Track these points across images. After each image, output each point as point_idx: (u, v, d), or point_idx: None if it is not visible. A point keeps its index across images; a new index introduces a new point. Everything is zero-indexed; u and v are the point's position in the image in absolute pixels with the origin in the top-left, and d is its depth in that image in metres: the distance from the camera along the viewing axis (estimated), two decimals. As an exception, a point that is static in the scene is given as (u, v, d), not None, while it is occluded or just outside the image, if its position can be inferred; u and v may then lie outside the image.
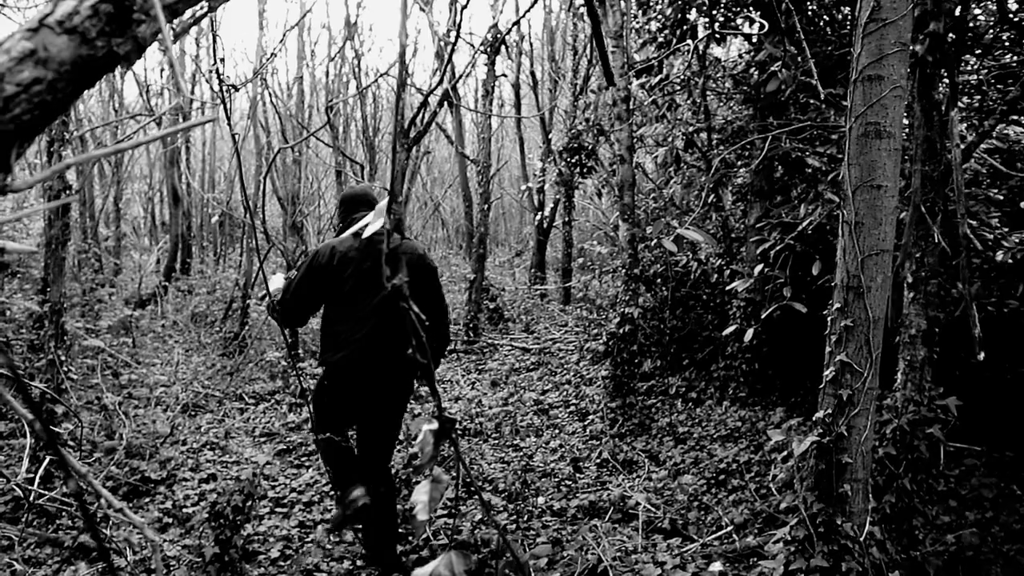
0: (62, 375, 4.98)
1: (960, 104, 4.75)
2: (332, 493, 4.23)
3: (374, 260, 3.59)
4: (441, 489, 0.73)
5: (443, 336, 3.81)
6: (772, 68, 4.45)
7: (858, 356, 2.51)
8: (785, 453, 3.15)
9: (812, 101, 5.70)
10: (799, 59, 4.51)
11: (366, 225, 3.55)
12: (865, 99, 2.51)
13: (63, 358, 4.93)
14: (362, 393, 3.66)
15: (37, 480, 4.40)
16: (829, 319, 2.61)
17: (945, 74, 3.21)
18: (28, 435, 3.57)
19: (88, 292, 10.32)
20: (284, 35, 8.53)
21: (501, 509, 4.72)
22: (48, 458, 4.33)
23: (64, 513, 4.61)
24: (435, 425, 0.68)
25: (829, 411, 2.55)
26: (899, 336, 3.62)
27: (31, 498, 3.87)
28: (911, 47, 2.67)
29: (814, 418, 2.62)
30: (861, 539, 2.46)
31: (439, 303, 3.80)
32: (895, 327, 3.67)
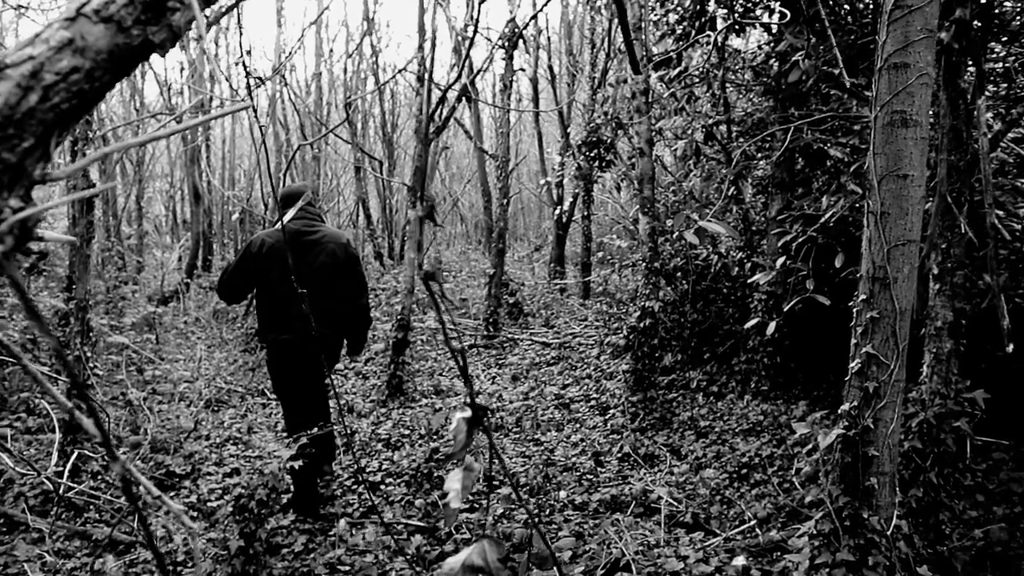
0: (88, 371, 5.04)
1: (987, 92, 4.68)
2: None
3: (299, 250, 4.18)
4: (473, 478, 0.72)
5: (365, 317, 4.50)
6: (794, 58, 4.41)
7: (884, 348, 2.48)
8: (810, 446, 3.12)
9: (834, 92, 5.63)
10: (821, 48, 4.46)
11: (294, 218, 4.29)
12: (891, 87, 2.47)
13: (89, 354, 4.99)
14: (293, 365, 4.29)
15: (66, 474, 4.46)
16: (855, 311, 2.59)
17: (971, 62, 3.16)
18: (57, 430, 3.62)
19: (112, 289, 10.44)
20: (303, 32, 8.57)
21: (523, 503, 4.72)
22: (76, 452, 4.39)
23: (92, 507, 4.68)
24: (468, 413, 0.68)
25: (855, 404, 2.53)
26: (925, 328, 3.57)
27: (60, 491, 3.92)
28: (937, 34, 2.63)
29: (839, 411, 2.59)
30: (888, 533, 2.43)
31: (360, 287, 4.42)
32: (921, 319, 3.62)
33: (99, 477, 4.85)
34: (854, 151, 5.47)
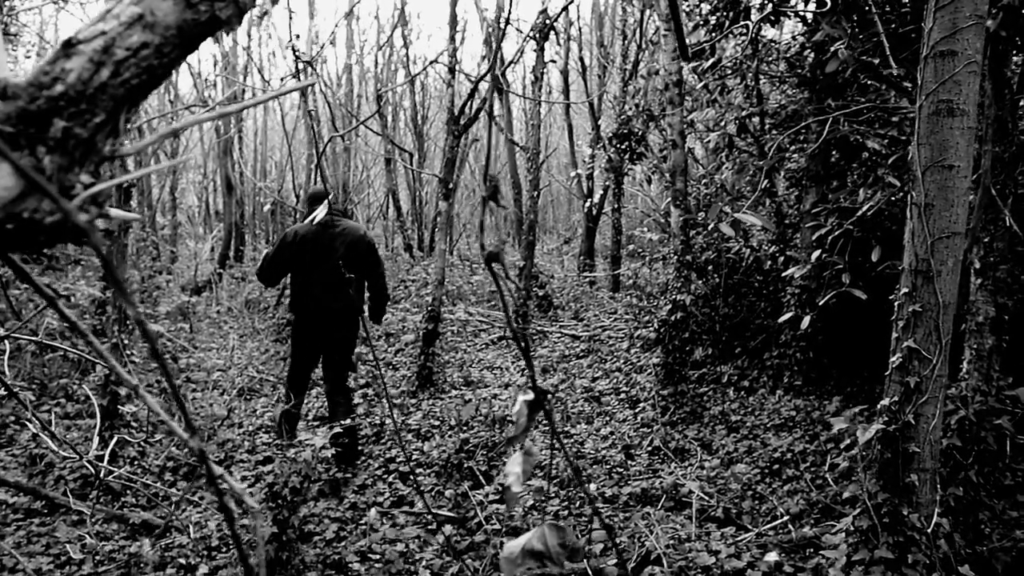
0: (125, 358, 5.12)
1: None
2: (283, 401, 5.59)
3: (325, 240, 5.10)
4: (532, 462, 0.72)
5: (382, 293, 5.39)
6: (833, 48, 4.33)
7: (927, 342, 2.43)
8: (847, 442, 3.08)
9: (872, 83, 5.53)
10: (860, 38, 4.38)
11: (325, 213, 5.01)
12: (937, 76, 2.41)
13: (126, 341, 5.07)
14: (318, 333, 5.20)
15: (106, 458, 4.54)
16: (896, 304, 2.54)
17: (1018, 50, 3.08)
18: (97, 416, 3.68)
19: (146, 279, 10.60)
20: (336, 25, 8.61)
21: (552, 495, 4.72)
22: (116, 437, 4.46)
23: (128, 491, 4.76)
24: (530, 396, 0.67)
25: (895, 398, 2.48)
26: (966, 324, 3.50)
27: (101, 474, 3.99)
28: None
29: (879, 406, 2.55)
30: (928, 531, 2.39)
31: (377, 269, 5.29)
32: (961, 314, 3.55)
33: (135, 463, 4.94)
34: (892, 143, 5.37)
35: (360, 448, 5.52)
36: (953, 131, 2.41)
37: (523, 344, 0.63)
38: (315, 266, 5.06)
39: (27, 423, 5.78)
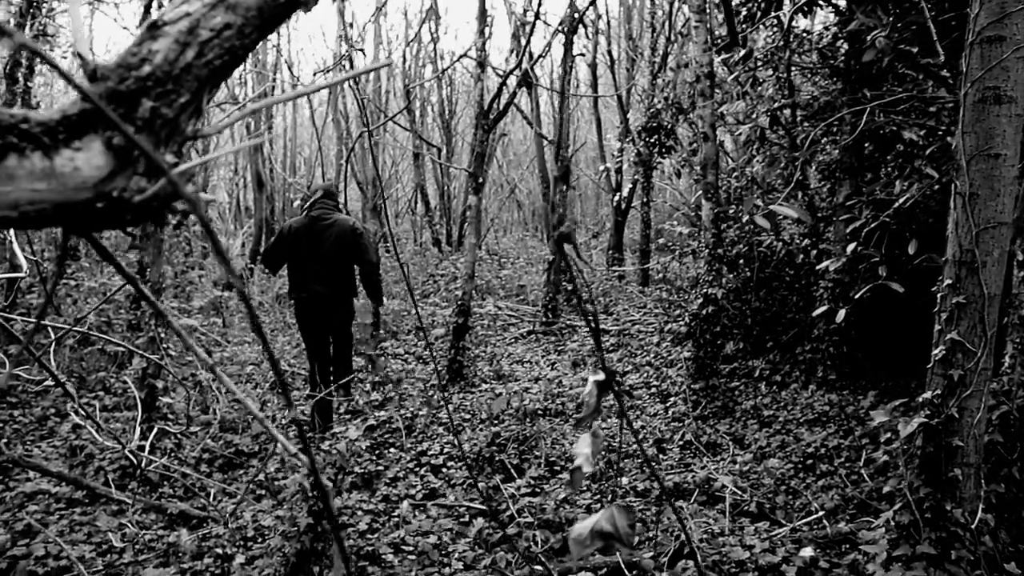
0: (162, 352, 5.20)
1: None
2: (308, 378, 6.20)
3: (316, 231, 5.58)
4: (599, 444, 0.72)
5: (372, 276, 5.82)
6: (870, 36, 4.25)
7: (971, 335, 2.39)
8: (887, 435, 3.03)
9: (908, 73, 5.44)
10: (899, 26, 4.30)
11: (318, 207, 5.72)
12: (983, 62, 2.36)
13: (162, 335, 5.15)
14: (314, 316, 5.70)
15: (147, 448, 4.62)
16: (939, 296, 2.49)
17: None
18: (139, 407, 3.74)
19: (180, 274, 10.75)
20: (364, 26, 8.62)
21: (584, 489, 4.72)
22: (156, 428, 4.53)
23: (166, 482, 4.84)
24: (600, 377, 0.67)
25: (938, 392, 2.44)
26: (1008, 317, 3.43)
27: (142, 464, 4.06)
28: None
29: (921, 399, 2.50)
30: (972, 527, 2.35)
31: (364, 255, 5.69)
32: (1004, 307, 3.48)
33: (172, 454, 5.02)
34: (929, 133, 5.27)
35: (352, 392, 6.44)
36: (1000, 119, 2.36)
37: (593, 325, 0.63)
38: (308, 256, 5.59)
39: (70, 414, 5.90)
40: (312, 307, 5.65)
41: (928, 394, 2.46)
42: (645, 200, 11.85)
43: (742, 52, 6.76)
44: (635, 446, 5.41)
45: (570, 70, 9.31)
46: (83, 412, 3.12)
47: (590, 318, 0.61)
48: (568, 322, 9.17)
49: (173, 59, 0.44)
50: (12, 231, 2.25)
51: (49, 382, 5.39)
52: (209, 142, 14.74)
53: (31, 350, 1.59)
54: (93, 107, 0.41)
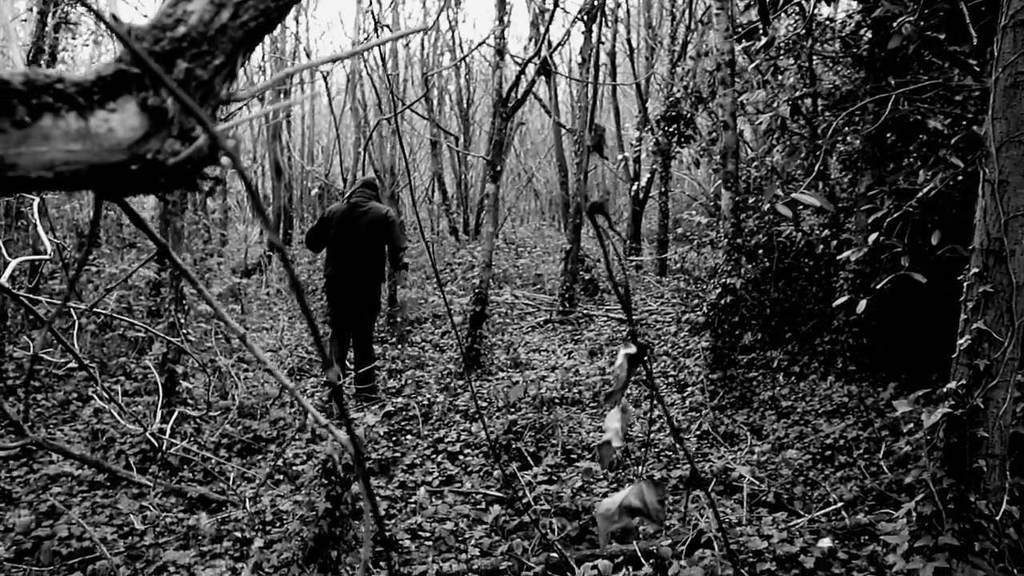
0: (182, 337, 5.24)
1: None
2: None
3: (352, 218, 6.21)
4: (629, 419, 0.71)
5: (396, 255, 6.35)
6: (896, 23, 4.19)
7: (998, 324, 2.35)
8: (910, 426, 3.00)
9: (934, 60, 5.35)
10: (926, 12, 4.23)
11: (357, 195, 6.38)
12: (1016, 46, 2.31)
13: (182, 320, 5.19)
14: (343, 294, 6.24)
15: (168, 431, 4.66)
16: (965, 285, 2.45)
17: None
18: (160, 391, 3.78)
19: (198, 261, 10.83)
20: (380, 14, 8.62)
21: (601, 477, 4.71)
22: (176, 413, 4.57)
23: (186, 466, 4.89)
24: (632, 349, 0.66)
25: (963, 382, 2.41)
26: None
27: (163, 447, 4.10)
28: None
29: (945, 389, 2.47)
30: (997, 518, 2.32)
31: (395, 242, 6.28)
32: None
33: (191, 439, 5.06)
34: (954, 122, 5.19)
35: (376, 384, 6.62)
36: (1031, 105, 2.31)
37: (624, 296, 0.62)
38: (342, 239, 6.21)
39: (91, 399, 5.97)
40: (341, 284, 6.23)
41: (953, 384, 2.43)
42: (663, 190, 11.78)
43: (763, 40, 6.68)
44: (651, 435, 5.39)
45: (589, 58, 9.25)
46: (106, 395, 3.15)
47: (620, 291, 0.60)
48: (585, 311, 9.16)
49: (208, 20, 0.44)
50: (37, 215, 2.27)
51: (72, 364, 5.44)
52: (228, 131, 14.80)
53: (55, 332, 1.60)
54: (128, 68, 0.41)
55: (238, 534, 4.04)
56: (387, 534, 4.13)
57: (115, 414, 4.48)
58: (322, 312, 8.90)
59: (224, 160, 0.47)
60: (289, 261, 0.42)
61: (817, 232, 6.87)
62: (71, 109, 0.40)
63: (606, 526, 0.71)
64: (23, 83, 0.38)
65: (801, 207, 7.25)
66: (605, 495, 4.35)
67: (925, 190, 4.78)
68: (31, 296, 1.79)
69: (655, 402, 5.89)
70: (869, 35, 5.91)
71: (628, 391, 6.40)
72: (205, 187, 0.49)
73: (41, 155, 0.39)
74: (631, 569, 3.58)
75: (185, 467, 4.87)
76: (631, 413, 0.72)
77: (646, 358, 0.66)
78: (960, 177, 4.99)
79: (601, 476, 4.72)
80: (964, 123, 5.09)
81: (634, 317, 8.75)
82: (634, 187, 12.12)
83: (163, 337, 2.63)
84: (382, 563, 3.89)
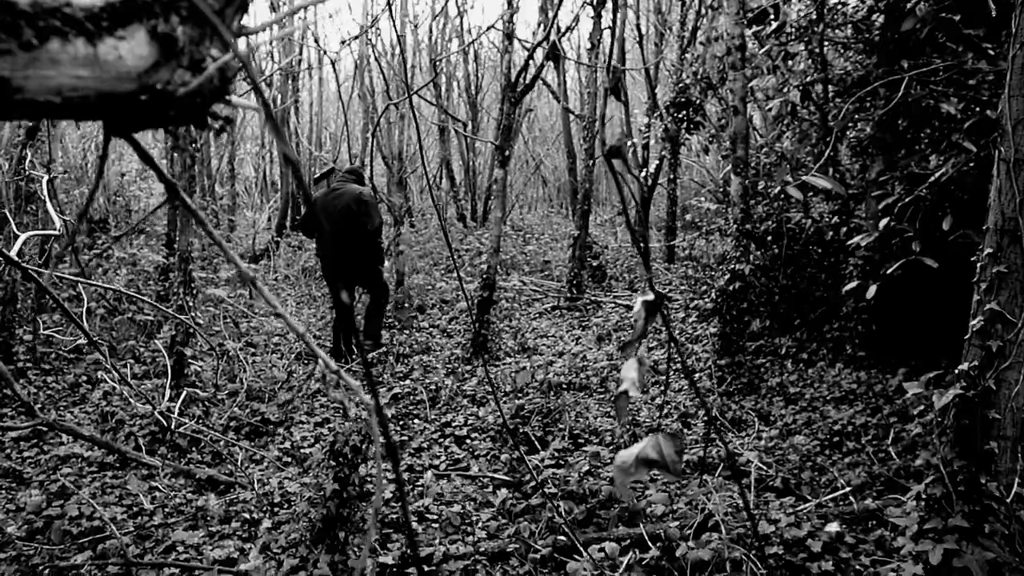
0: (191, 320, 5.25)
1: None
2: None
3: (329, 203, 6.72)
4: (645, 371, 0.70)
5: (373, 242, 6.80)
6: (910, 4, 4.14)
7: (1011, 305, 2.33)
8: (921, 408, 2.98)
9: (948, 44, 5.29)
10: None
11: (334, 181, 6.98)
12: (1032, 23, 2.28)
13: (191, 303, 5.20)
14: (335, 272, 6.47)
15: (177, 409, 4.68)
16: (979, 266, 2.43)
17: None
18: (169, 372, 3.79)
19: (207, 247, 10.85)
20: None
21: (608, 461, 4.71)
22: (184, 391, 4.59)
23: (194, 448, 4.91)
24: (649, 296, 0.65)
25: (975, 363, 2.39)
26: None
27: (171, 426, 4.12)
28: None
29: (957, 370, 2.46)
30: (1008, 500, 2.31)
31: (366, 220, 6.68)
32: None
33: (200, 421, 5.08)
34: (968, 107, 5.14)
35: (381, 337, 7.21)
36: (1047, 83, 2.28)
37: (642, 245, 0.61)
38: (323, 223, 6.86)
39: (101, 381, 5.99)
40: (330, 264, 7.14)
41: (965, 365, 2.41)
42: (672, 177, 11.73)
43: (774, 25, 6.63)
44: (657, 420, 5.39)
45: (598, 43, 9.20)
46: (116, 372, 3.16)
47: (639, 239, 0.59)
48: (593, 298, 9.14)
49: (219, -55, 0.43)
50: (46, 189, 2.26)
51: (80, 348, 5.47)
52: (235, 114, 14.80)
53: (65, 308, 1.60)
54: (138, -7, 0.40)
55: (246, 515, 4.07)
56: (396, 515, 4.14)
57: (124, 392, 4.50)
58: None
59: (236, 100, 0.46)
60: (299, 169, 0.41)
61: (827, 219, 6.83)
62: (79, 34, 0.39)
63: (623, 479, 0.70)
64: (30, 4, 0.37)
65: (811, 194, 7.22)
66: (612, 480, 4.35)
67: (937, 175, 4.74)
68: (39, 270, 1.79)
69: (658, 396, 5.88)
70: (881, 20, 5.86)
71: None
72: (215, 125, 0.48)
73: (49, 79, 0.38)
74: (638, 552, 3.59)
75: (194, 449, 4.89)
76: (647, 364, 0.71)
77: (663, 305, 0.65)
78: (973, 163, 4.94)
79: (608, 460, 4.72)
80: (978, 110, 5.04)
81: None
82: (642, 174, 12.06)
83: (172, 315, 2.63)
84: (389, 545, 3.90)
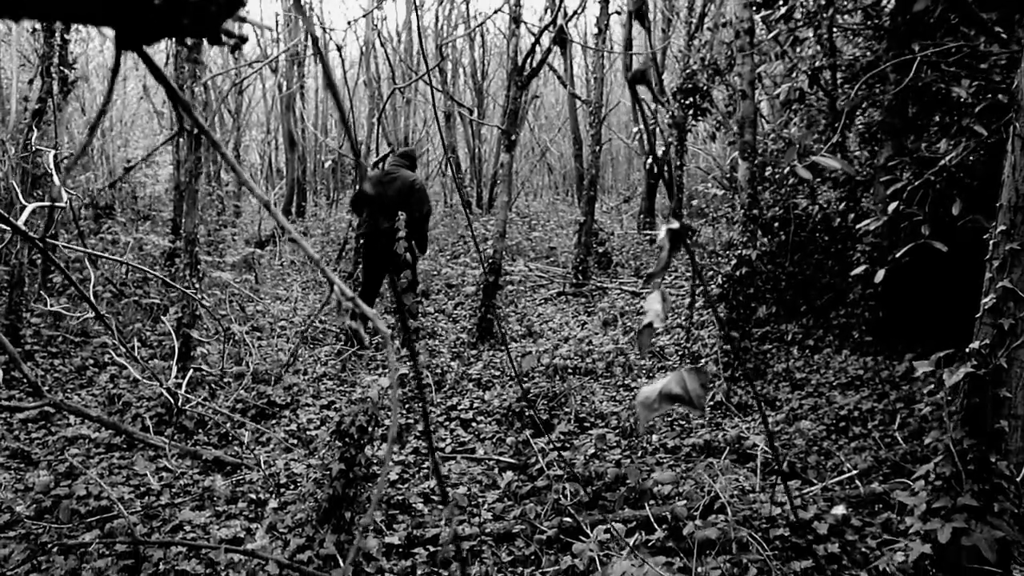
0: (196, 303, 5.26)
1: None
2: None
3: (383, 185, 6.84)
4: (668, 306, 0.69)
5: (420, 227, 6.94)
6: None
7: None
8: (931, 387, 2.97)
9: (961, 29, 5.24)
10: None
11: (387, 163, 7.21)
12: (1048, -3, 2.25)
13: (197, 286, 5.20)
14: (372, 251, 7.04)
15: (183, 386, 4.68)
16: (991, 243, 2.41)
17: None
18: (176, 348, 3.79)
19: (213, 232, 10.86)
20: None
21: (614, 444, 4.71)
22: (191, 372, 4.59)
23: (200, 430, 4.92)
24: (674, 224, 0.64)
25: (986, 341, 2.37)
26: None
27: (179, 402, 4.12)
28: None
29: (968, 349, 2.44)
30: (1018, 479, 2.30)
31: (417, 206, 6.83)
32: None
33: (206, 405, 5.09)
34: (979, 91, 5.09)
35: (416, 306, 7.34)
36: (1062, 58, 2.25)
37: (662, 166, 0.59)
38: (374, 203, 6.59)
39: (108, 364, 6.01)
40: (371, 242, 7.00)
41: (976, 344, 2.39)
42: (679, 163, 11.69)
43: (783, 9, 6.57)
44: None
45: (605, 28, 9.14)
46: (123, 348, 3.16)
47: (661, 167, 0.58)
48: (598, 284, 9.13)
49: None
50: (52, 165, 2.25)
51: (89, 315, 5.46)
52: (241, 101, 14.77)
53: (70, 277, 1.59)
54: None
55: (253, 496, 4.08)
56: (400, 497, 4.15)
57: (131, 374, 4.50)
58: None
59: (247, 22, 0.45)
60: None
61: (834, 206, 6.79)
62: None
63: (646, 415, 0.69)
64: None
65: (818, 180, 7.18)
66: (618, 462, 4.35)
67: (948, 158, 4.70)
68: (47, 240, 1.79)
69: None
70: (892, 4, 5.80)
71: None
72: (229, 42, 0.46)
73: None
74: (643, 533, 3.59)
75: (200, 431, 4.91)
76: (670, 299, 0.70)
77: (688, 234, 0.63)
78: (982, 147, 4.90)
79: (614, 444, 4.72)
80: (988, 96, 4.99)
81: (648, 290, 8.72)
82: (649, 160, 12.01)
83: (182, 289, 2.62)
84: (395, 526, 3.91)
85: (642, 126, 11.02)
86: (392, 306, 7.47)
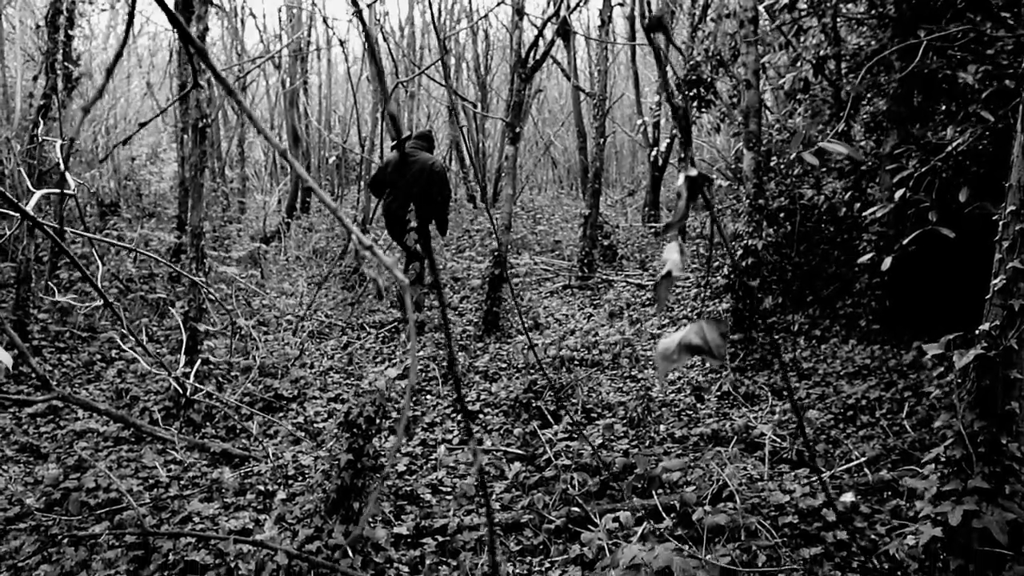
0: (203, 297, 5.26)
1: None
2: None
3: (402, 167, 6.86)
4: (687, 259, 0.68)
5: (441, 210, 6.98)
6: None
7: (1034, 263, 2.29)
8: (940, 369, 2.96)
9: (968, 15, 5.21)
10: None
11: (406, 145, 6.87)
12: (1057, -25, 2.23)
13: (203, 279, 5.20)
14: (391, 221, 6.96)
15: (192, 375, 4.69)
16: (1001, 224, 2.40)
17: None
18: (183, 336, 3.80)
19: (218, 228, 10.88)
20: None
21: (622, 435, 4.71)
22: (199, 362, 4.60)
23: (208, 423, 4.93)
24: (692, 172, 0.63)
25: (997, 323, 2.36)
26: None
27: (187, 392, 4.13)
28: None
29: (978, 331, 2.43)
30: (1029, 460, 2.29)
31: (438, 189, 6.81)
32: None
33: (213, 396, 5.10)
34: (985, 77, 5.06)
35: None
36: (1071, 38, 2.23)
37: (683, 119, 0.59)
38: (395, 184, 6.95)
39: (115, 359, 6.02)
40: (393, 221, 6.94)
41: (986, 325, 2.38)
42: (683, 156, 11.66)
43: (787, -1, 6.55)
44: (671, 396, 5.37)
45: (608, 20, 9.12)
46: (132, 337, 3.17)
47: (679, 106, 0.57)
48: (604, 277, 9.12)
49: None
50: (59, 154, 2.25)
51: (97, 302, 5.48)
52: (244, 98, 14.76)
53: (78, 263, 1.59)
54: None
55: (261, 487, 4.09)
56: (408, 488, 4.15)
57: (140, 367, 4.51)
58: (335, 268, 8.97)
59: None
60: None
61: (840, 195, 6.77)
62: None
63: (665, 367, 0.69)
64: None
65: (823, 170, 7.15)
66: (625, 452, 4.34)
67: (954, 144, 4.68)
68: (54, 226, 1.79)
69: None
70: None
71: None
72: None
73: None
74: (652, 522, 3.59)
75: (208, 423, 4.92)
76: (687, 252, 0.69)
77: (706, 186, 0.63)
78: (989, 133, 4.87)
79: (622, 434, 4.72)
80: (994, 84, 4.97)
81: (654, 282, 8.71)
82: (653, 152, 11.99)
83: (187, 275, 2.63)
84: (403, 516, 3.91)
85: (647, 119, 10.99)
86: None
